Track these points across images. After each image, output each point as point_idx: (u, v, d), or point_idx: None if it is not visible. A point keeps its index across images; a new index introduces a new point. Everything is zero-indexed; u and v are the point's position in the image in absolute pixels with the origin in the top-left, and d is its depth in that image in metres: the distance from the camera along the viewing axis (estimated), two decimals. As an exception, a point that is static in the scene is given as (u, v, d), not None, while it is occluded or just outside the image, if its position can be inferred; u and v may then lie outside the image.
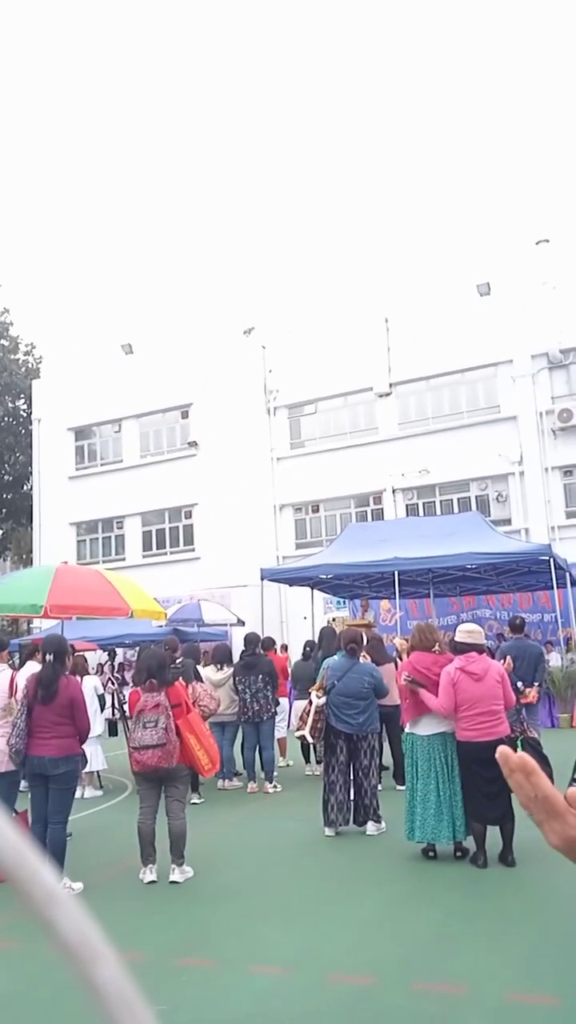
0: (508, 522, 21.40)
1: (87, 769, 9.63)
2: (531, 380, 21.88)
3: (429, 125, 69.27)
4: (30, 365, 34.51)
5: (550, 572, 12.78)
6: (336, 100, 70.07)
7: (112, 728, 14.46)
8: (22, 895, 0.41)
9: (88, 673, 10.38)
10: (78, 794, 7.71)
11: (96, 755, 9.93)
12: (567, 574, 13.70)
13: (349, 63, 71.52)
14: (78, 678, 9.61)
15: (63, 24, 74.13)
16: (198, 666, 10.04)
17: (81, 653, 11.49)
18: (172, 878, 5.85)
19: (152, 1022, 0.40)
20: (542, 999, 3.78)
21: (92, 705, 9.99)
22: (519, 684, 8.32)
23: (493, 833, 6.05)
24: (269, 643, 11.51)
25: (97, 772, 10.22)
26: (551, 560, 12.55)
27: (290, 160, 70.16)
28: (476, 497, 22.47)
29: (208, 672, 10.16)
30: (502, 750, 0.96)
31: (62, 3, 71.88)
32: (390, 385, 23.80)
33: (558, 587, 13.27)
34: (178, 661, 9.16)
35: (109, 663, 14.26)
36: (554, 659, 15.22)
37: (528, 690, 8.95)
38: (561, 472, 21.66)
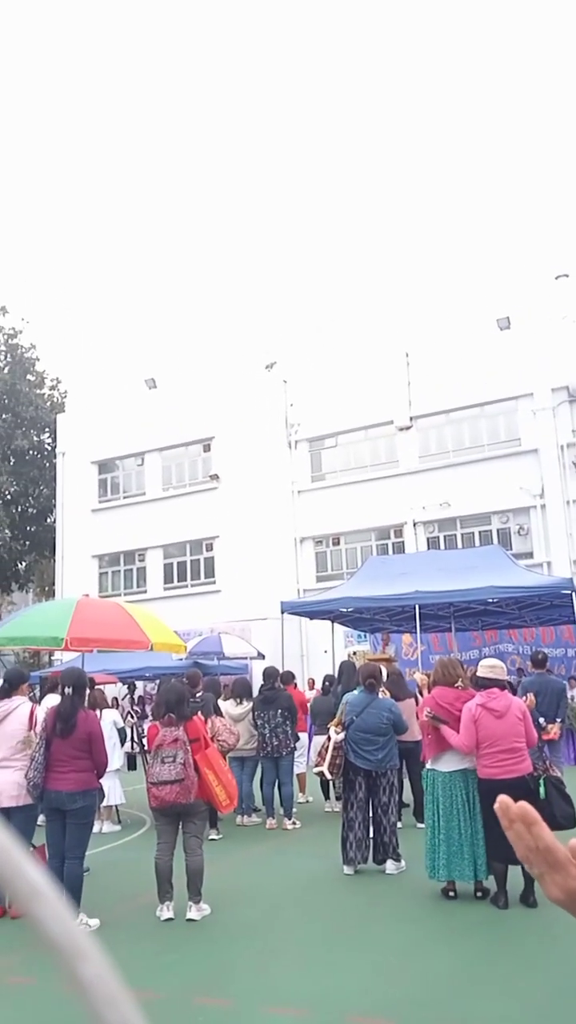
0: (530, 555, 21.26)
1: (105, 803, 9.60)
2: (552, 413, 21.86)
3: (450, 161, 70.11)
4: (55, 400, 34.98)
5: (573, 606, 12.66)
6: (357, 133, 71.20)
7: (131, 762, 14.40)
8: (7, 891, 0.43)
9: (107, 707, 10.37)
10: (96, 829, 7.71)
11: (115, 789, 9.90)
12: (590, 608, 13.54)
13: (365, 92, 72.78)
14: (96, 712, 9.68)
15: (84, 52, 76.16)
16: (219, 700, 10.01)
17: (99, 687, 11.50)
18: (189, 915, 5.80)
19: (137, 1018, 0.41)
20: (563, 1045, 3.70)
21: (111, 739, 9.97)
22: (541, 720, 8.22)
23: (514, 873, 5.95)
24: (288, 677, 11.45)
25: (115, 807, 10.18)
26: (573, 594, 12.44)
27: (312, 196, 71.20)
28: (497, 530, 22.35)
29: (228, 706, 10.13)
30: (501, 799, 0.92)
31: (62, 15, 73.97)
32: (411, 418, 23.87)
33: (581, 622, 13.13)
34: (198, 695, 9.15)
35: (128, 696, 14.25)
36: (577, 695, 15.00)
37: (550, 726, 8.84)
38: (583, 505, 21.52)
